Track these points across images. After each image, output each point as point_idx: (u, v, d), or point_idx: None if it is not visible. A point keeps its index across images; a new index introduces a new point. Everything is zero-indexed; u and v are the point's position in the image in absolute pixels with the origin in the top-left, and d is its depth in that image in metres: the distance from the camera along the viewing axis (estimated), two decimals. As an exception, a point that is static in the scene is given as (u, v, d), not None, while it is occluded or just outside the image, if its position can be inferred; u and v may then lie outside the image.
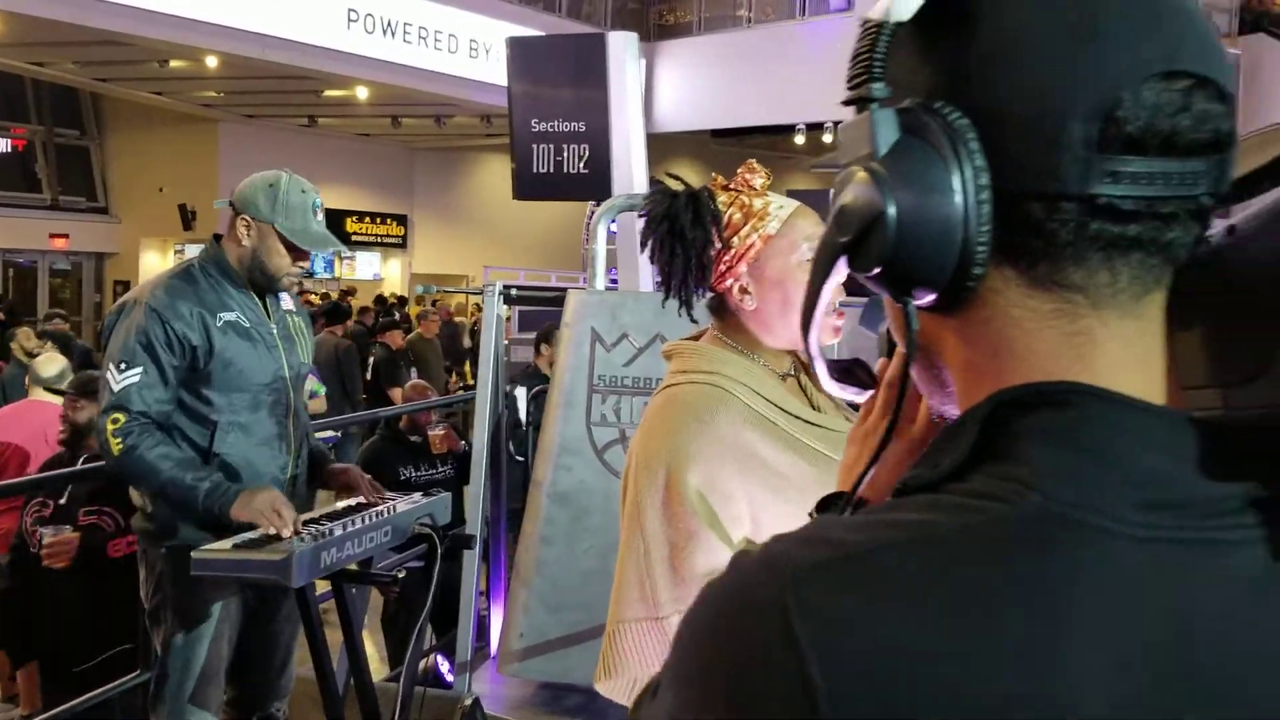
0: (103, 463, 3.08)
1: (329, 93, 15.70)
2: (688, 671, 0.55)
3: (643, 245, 1.62)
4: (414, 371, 8.66)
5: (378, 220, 20.25)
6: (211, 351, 2.52)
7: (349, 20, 13.35)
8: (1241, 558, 0.52)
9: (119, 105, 17.99)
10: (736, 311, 1.60)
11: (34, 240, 17.95)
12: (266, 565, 2.28)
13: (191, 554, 2.32)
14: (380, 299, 15.96)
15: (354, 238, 19.94)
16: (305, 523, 2.50)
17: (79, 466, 3.43)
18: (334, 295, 15.19)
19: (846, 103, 0.58)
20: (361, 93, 15.46)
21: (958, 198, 0.53)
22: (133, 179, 18.76)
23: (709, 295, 1.62)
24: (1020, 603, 0.50)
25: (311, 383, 7.08)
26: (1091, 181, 0.52)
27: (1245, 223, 0.55)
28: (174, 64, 13.92)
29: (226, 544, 2.35)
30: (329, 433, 5.93)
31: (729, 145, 17.72)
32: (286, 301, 2.76)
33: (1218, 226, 0.58)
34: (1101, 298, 0.54)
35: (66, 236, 18.37)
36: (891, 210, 0.54)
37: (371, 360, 9.05)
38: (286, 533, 2.37)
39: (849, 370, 0.77)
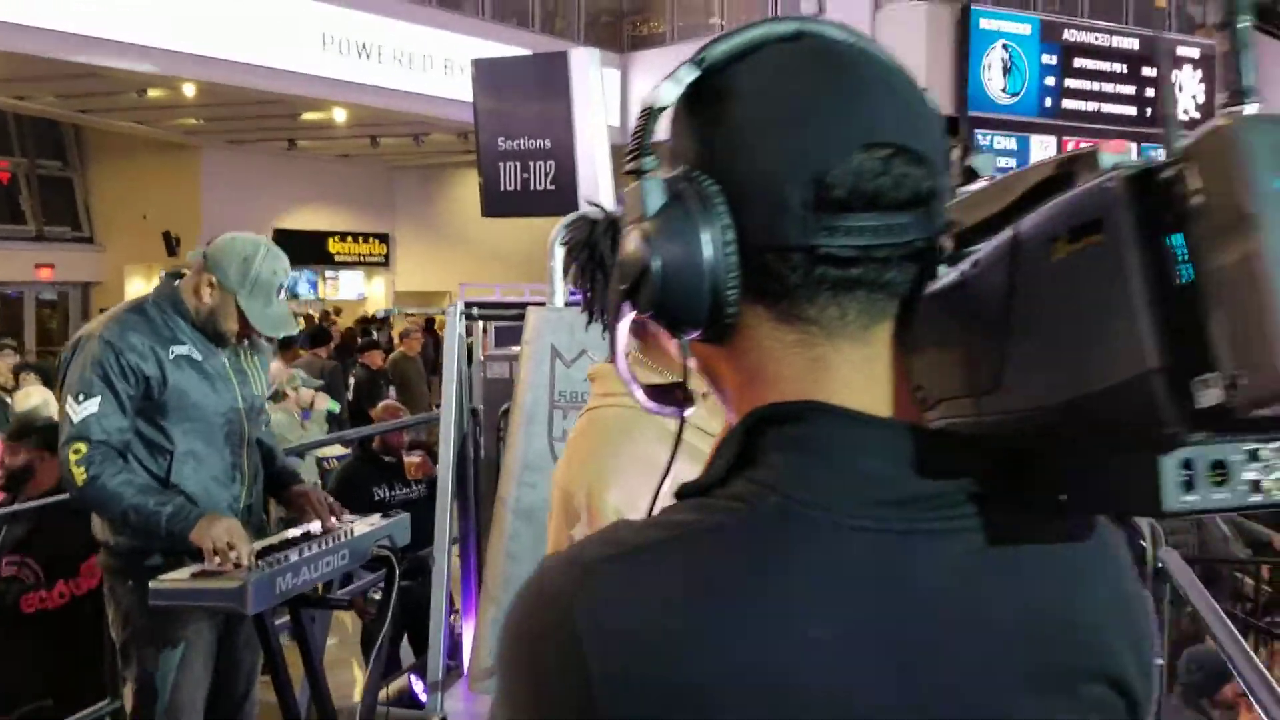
0: (31, 505, 3.13)
1: (307, 116, 15.74)
2: (503, 656, 0.64)
3: (565, 272, 1.67)
4: (392, 391, 8.67)
5: (360, 239, 20.28)
6: (165, 383, 2.58)
7: (323, 44, 13.38)
8: (959, 544, 0.62)
9: (101, 135, 18.01)
10: (656, 334, 1.64)
11: (19, 272, 17.94)
12: (222, 593, 2.32)
13: (149, 585, 2.36)
14: (363, 319, 15.98)
15: (336, 258, 19.97)
16: (264, 550, 2.55)
17: (6, 510, 3.40)
18: (317, 316, 15.22)
19: (626, 173, 0.67)
20: (339, 115, 15.50)
21: (709, 251, 0.63)
22: (116, 207, 18.77)
23: (630, 319, 1.67)
24: (758, 588, 0.59)
25: (329, 403, 7.14)
26: (812, 236, 0.62)
27: (984, 256, 0.63)
28: (152, 93, 13.95)
29: (184, 573, 2.39)
30: (341, 449, 6.02)
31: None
32: None
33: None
34: (834, 329, 0.64)
35: (52, 266, 18.37)
36: (656, 263, 0.64)
37: (352, 381, 9.07)
38: (228, 567, 2.41)
39: (667, 391, 0.83)
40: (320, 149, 18.69)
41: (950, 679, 0.60)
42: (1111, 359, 0.54)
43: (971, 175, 0.70)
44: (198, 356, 2.66)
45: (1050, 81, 15.08)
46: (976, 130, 14.45)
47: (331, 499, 2.88)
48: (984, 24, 14.50)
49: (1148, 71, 15.92)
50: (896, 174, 0.62)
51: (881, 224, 0.62)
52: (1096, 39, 15.51)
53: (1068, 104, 15.24)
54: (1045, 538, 0.64)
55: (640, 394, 0.80)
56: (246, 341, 2.81)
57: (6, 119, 17.80)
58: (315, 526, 2.80)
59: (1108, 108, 15.58)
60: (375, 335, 11.98)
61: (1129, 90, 15.81)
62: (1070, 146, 15.97)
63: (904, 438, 0.63)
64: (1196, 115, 16.46)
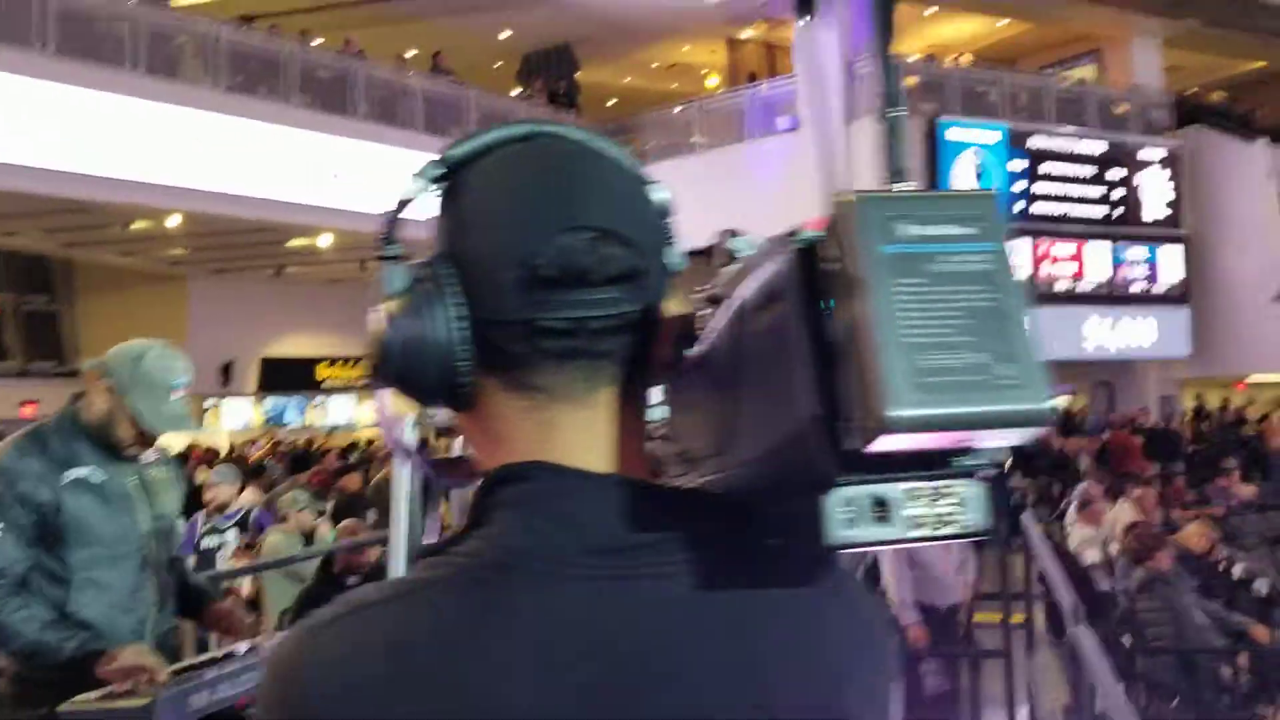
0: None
1: (293, 242, 15.97)
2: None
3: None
4: (370, 514, 8.57)
5: (350, 364, 20.37)
6: (60, 510, 2.51)
7: (307, 170, 13.65)
8: (674, 589, 0.66)
9: (88, 269, 18.24)
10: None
11: (2, 410, 17.93)
12: (130, 713, 2.24)
13: (58, 709, 2.29)
14: (351, 445, 15.94)
15: (325, 384, 20.03)
16: (183, 669, 2.47)
17: None
18: (301, 442, 15.20)
19: (378, 258, 0.74)
20: (325, 240, 15.71)
21: (440, 328, 0.70)
22: (103, 341, 18.29)
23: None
24: (471, 634, 0.63)
25: (331, 531, 7.04)
26: (529, 311, 0.68)
27: (722, 326, 0.71)
28: (137, 225, 14.20)
29: (92, 695, 2.32)
30: None
31: (699, 264, 17.90)
32: (148, 454, 2.74)
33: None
34: (559, 394, 0.70)
35: (36, 403, 18.36)
36: (395, 340, 0.71)
37: (330, 506, 8.98)
38: (141, 687, 2.33)
39: (455, 463, 0.85)
40: (308, 275, 18.91)
41: (662, 716, 0.64)
42: (787, 410, 0.60)
43: (732, 256, 0.76)
44: (98, 479, 2.58)
45: (1020, 186, 15.40)
46: (950, 236, 14.68)
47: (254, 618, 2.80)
48: (953, 134, 14.86)
49: (1114, 174, 16.27)
50: (602, 254, 0.68)
51: (591, 298, 0.68)
52: (1062, 144, 15.89)
53: (1038, 208, 15.53)
54: (766, 581, 0.68)
55: (420, 464, 0.85)
56: (155, 456, 2.76)
57: (-6, 256, 18.05)
58: (241, 647, 2.72)
59: (1076, 210, 15.89)
60: (351, 459, 11.92)
61: (1097, 192, 16.14)
62: (1042, 249, 16.18)
63: (621, 491, 0.68)
64: (1168, 212, 16.79)
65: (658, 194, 0.75)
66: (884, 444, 0.56)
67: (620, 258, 0.69)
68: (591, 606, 0.65)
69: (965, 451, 0.60)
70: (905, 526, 0.60)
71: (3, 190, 11.32)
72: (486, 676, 0.62)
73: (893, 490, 0.60)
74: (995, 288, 0.57)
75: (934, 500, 0.61)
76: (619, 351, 0.70)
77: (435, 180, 0.73)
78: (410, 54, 17.43)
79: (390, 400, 0.78)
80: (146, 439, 2.65)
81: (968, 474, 0.61)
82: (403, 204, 0.74)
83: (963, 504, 0.61)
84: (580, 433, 0.70)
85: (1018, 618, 4.75)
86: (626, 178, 0.74)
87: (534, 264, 0.67)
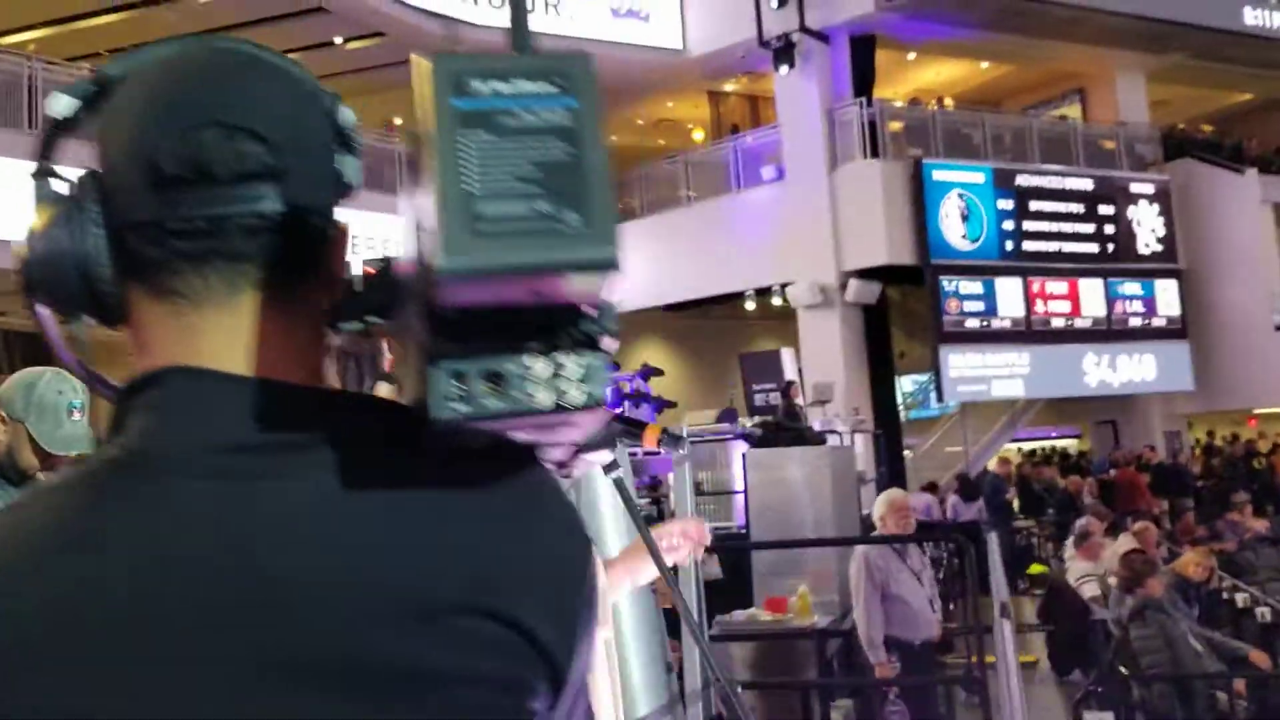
0: None
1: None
2: None
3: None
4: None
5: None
6: None
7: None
8: (304, 487, 0.65)
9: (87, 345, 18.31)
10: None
11: (3, 488, 17.94)
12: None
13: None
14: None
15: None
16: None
17: None
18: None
19: (33, 175, 0.74)
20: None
21: (76, 238, 0.69)
22: (104, 417, 18.89)
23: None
24: (78, 533, 0.64)
25: None
26: (159, 211, 0.67)
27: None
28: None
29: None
30: None
31: (693, 318, 17.98)
32: None
33: None
34: (200, 299, 0.69)
35: (36, 481, 18.38)
36: (36, 253, 0.71)
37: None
38: None
39: None
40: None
41: (289, 615, 0.62)
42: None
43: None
44: None
45: (1009, 226, 15.38)
46: (941, 277, 14.63)
47: None
48: (937, 175, 14.88)
49: (1104, 209, 16.25)
50: (231, 150, 0.67)
51: (221, 195, 0.67)
52: (1050, 182, 15.88)
53: (1028, 245, 15.50)
54: (422, 484, 0.66)
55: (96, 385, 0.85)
56: None
57: (-7, 337, 18.14)
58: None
59: (1068, 246, 15.85)
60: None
61: (1088, 228, 16.11)
62: (1035, 287, 16.04)
63: (261, 392, 0.68)
64: (1161, 246, 16.76)
65: (332, 106, 0.74)
66: (450, 295, 0.56)
67: (253, 155, 0.67)
68: (214, 504, 0.64)
69: (573, 315, 0.60)
70: (520, 399, 0.60)
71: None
72: (92, 574, 0.62)
73: (507, 363, 0.60)
74: (571, 142, 0.58)
75: (553, 372, 0.60)
76: (262, 255, 0.69)
77: (91, 97, 0.73)
78: (398, 121, 17.57)
79: (48, 321, 0.76)
80: (54, 465, 2.67)
81: (587, 343, 0.60)
82: (57, 123, 0.74)
83: (585, 376, 0.61)
84: (223, 338, 0.69)
85: (990, 659, 4.60)
86: (284, 83, 0.72)
87: (156, 163, 0.67)
